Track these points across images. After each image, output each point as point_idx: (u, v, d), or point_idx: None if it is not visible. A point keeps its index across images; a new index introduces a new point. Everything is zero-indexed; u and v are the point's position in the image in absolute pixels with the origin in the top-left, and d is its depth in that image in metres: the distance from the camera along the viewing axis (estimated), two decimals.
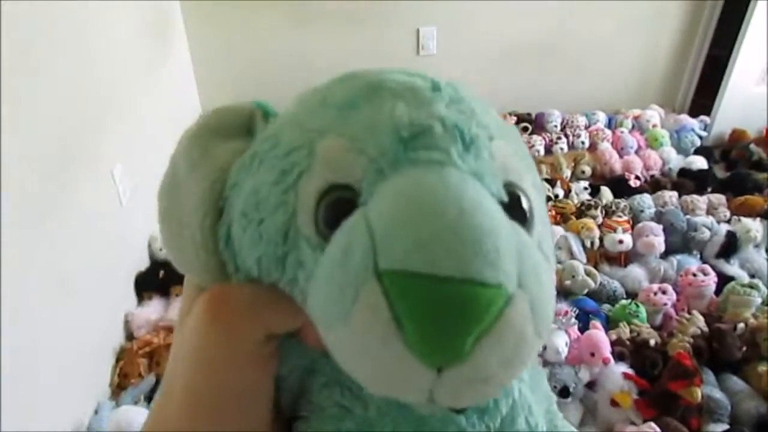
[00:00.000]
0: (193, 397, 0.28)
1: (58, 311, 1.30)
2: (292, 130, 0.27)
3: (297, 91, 0.30)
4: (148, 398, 1.46)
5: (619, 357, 1.49)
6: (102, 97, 1.63)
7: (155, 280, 1.77)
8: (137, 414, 1.36)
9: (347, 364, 0.24)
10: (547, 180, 2.33)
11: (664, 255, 1.94)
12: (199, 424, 0.27)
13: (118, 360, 1.57)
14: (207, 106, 2.65)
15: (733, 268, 1.90)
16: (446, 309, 0.21)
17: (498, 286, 0.22)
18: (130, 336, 1.66)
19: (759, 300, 1.63)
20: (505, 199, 0.25)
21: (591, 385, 1.50)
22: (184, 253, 0.30)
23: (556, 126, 2.70)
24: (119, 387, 1.51)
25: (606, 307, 1.74)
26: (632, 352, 1.51)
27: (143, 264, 1.85)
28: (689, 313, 1.63)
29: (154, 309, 1.70)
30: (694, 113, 2.83)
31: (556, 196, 2.28)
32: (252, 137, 0.30)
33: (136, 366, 1.53)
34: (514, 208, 0.25)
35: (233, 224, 0.28)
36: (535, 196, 0.28)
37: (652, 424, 1.31)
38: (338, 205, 0.25)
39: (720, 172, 2.55)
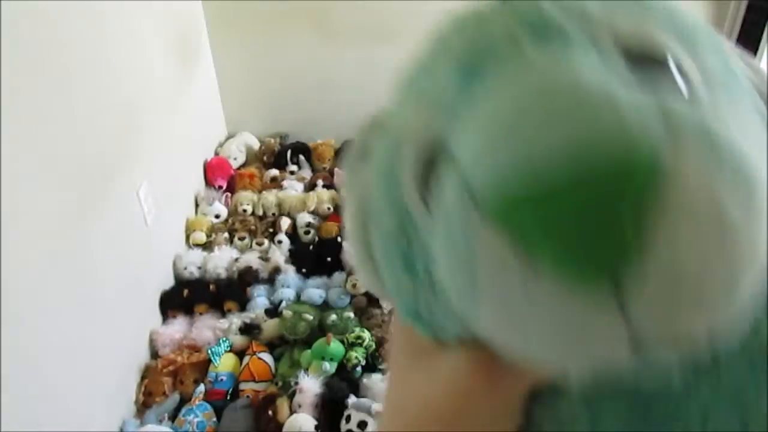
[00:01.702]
0: None
1: (84, 329, 1.32)
2: (387, 128, 0.27)
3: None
4: (172, 417, 1.47)
5: None
6: (127, 116, 1.66)
7: (179, 299, 1.78)
8: None
9: (516, 344, 0.20)
10: None
11: None
12: None
13: (142, 378, 1.58)
14: (232, 125, 2.68)
15: None
16: (581, 199, 0.17)
17: (647, 150, 0.17)
18: (154, 354, 1.67)
19: None
20: (626, 69, 0.20)
21: None
22: (359, 275, 0.31)
23: None
24: (144, 405, 1.52)
25: None
26: None
27: (168, 283, 1.87)
28: None
29: (178, 328, 1.71)
30: None
31: None
32: None
33: (160, 384, 1.54)
34: (650, 75, 0.20)
35: (373, 246, 0.28)
36: (694, 56, 0.22)
37: None
38: (431, 167, 0.22)
39: None
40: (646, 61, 0.20)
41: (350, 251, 0.30)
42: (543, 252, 0.17)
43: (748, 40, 2.58)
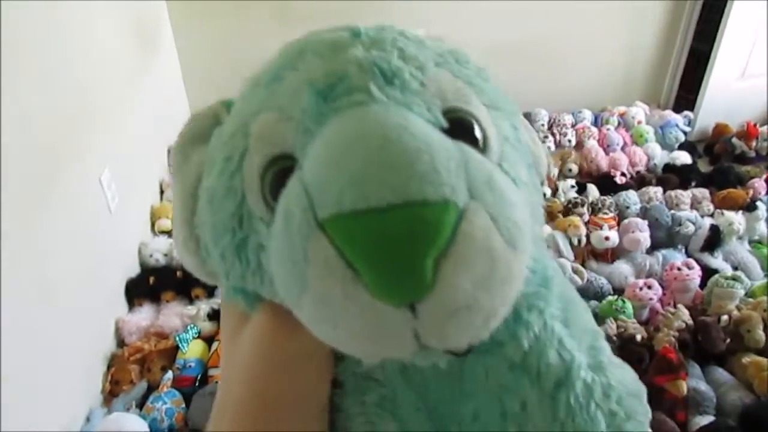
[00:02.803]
0: (255, 399, 0.29)
1: (48, 318, 1.31)
2: (231, 119, 0.28)
3: None
4: (140, 405, 1.47)
5: None
6: (87, 100, 1.63)
7: (145, 287, 1.77)
8: (128, 421, 1.36)
9: (326, 335, 0.24)
10: None
11: (650, 250, 1.97)
12: (260, 423, 0.28)
13: (109, 367, 1.57)
14: (196, 108, 2.64)
15: (717, 261, 1.93)
16: (395, 238, 0.20)
17: (444, 202, 0.21)
18: (121, 342, 1.66)
19: (742, 292, 1.66)
20: (445, 125, 0.25)
21: None
22: (180, 255, 0.32)
23: (543, 125, 2.72)
24: (111, 394, 1.51)
25: (593, 303, 1.76)
26: (619, 347, 1.53)
27: (133, 271, 1.85)
28: (675, 307, 1.65)
29: (144, 315, 1.70)
30: (678, 108, 2.86)
31: (543, 195, 2.29)
32: None
33: (127, 372, 1.53)
34: (461, 132, 0.25)
35: (199, 228, 0.29)
36: (495, 121, 0.27)
37: None
38: (280, 174, 0.25)
39: (704, 167, 2.59)
40: (459, 120, 0.26)
41: (174, 232, 0.32)
42: (361, 267, 0.21)
43: (702, 40, 2.66)
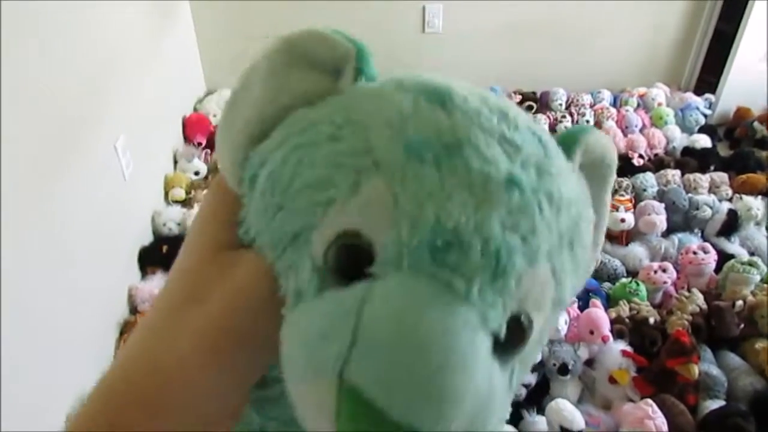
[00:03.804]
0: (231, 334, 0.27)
1: (61, 285, 1.32)
2: (354, 138, 0.25)
3: None
4: None
5: (618, 335, 1.51)
6: (104, 67, 1.63)
7: (158, 255, 1.78)
8: None
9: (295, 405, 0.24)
10: None
11: (666, 233, 1.95)
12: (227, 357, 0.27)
13: (122, 333, 1.59)
14: (212, 82, 2.64)
15: (733, 246, 1.91)
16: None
17: None
18: (133, 310, 1.67)
19: (758, 277, 1.64)
20: (502, 335, 0.23)
21: (590, 363, 1.51)
22: (223, 146, 0.30)
23: (560, 104, 2.68)
24: None
25: (606, 285, 1.75)
26: (631, 330, 1.53)
27: (147, 239, 1.86)
28: (689, 290, 1.64)
29: (157, 284, 1.71)
30: (700, 91, 2.81)
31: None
32: (338, 78, 0.28)
33: None
34: (510, 337, 0.24)
35: (263, 165, 0.27)
36: (545, 315, 0.26)
37: (650, 400, 1.32)
38: (355, 252, 0.23)
39: (723, 151, 2.55)
40: (516, 326, 0.24)
41: (226, 131, 0.30)
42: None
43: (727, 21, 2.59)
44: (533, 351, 0.28)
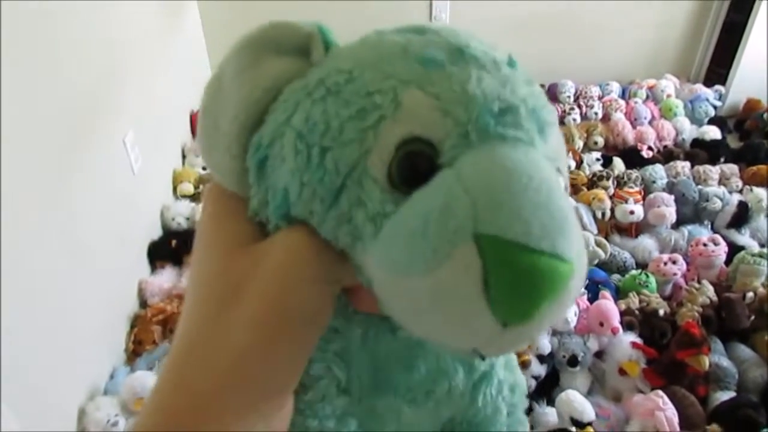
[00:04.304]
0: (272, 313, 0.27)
1: (72, 278, 1.33)
2: (372, 71, 0.27)
3: None
4: None
5: (628, 327, 1.50)
6: (114, 61, 1.63)
7: (168, 250, 1.79)
8: (152, 379, 1.39)
9: (416, 311, 0.25)
10: None
11: (675, 225, 1.94)
12: (276, 339, 0.27)
13: (132, 327, 1.60)
14: None
15: (743, 237, 1.90)
16: (534, 278, 0.23)
17: (571, 263, 0.24)
18: (143, 303, 1.68)
19: None
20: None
21: (599, 355, 1.51)
22: (213, 152, 0.31)
23: (569, 96, 2.67)
24: (134, 353, 1.54)
25: (616, 277, 1.74)
26: (641, 321, 1.52)
27: (156, 233, 1.87)
28: (699, 282, 1.63)
29: (167, 277, 1.72)
30: (709, 82, 2.79)
31: (568, 167, 2.26)
32: (306, 59, 0.30)
33: (150, 333, 1.55)
34: None
35: (275, 141, 0.28)
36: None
37: (660, 392, 1.32)
38: (416, 157, 0.26)
39: (733, 142, 2.53)
40: None
41: (207, 130, 0.31)
42: (494, 286, 0.23)
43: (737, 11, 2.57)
44: None
